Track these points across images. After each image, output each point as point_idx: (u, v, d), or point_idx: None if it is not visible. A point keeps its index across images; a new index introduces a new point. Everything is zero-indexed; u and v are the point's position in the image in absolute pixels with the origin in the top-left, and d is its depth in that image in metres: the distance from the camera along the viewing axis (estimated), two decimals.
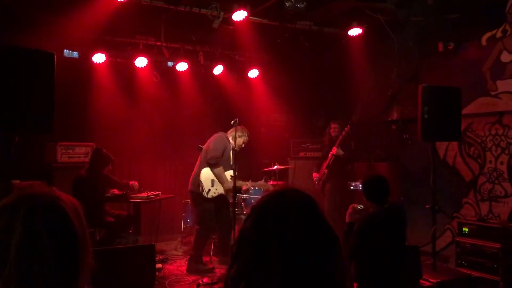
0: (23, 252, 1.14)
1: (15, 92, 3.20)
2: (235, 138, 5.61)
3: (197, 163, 5.74)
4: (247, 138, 5.82)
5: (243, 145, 5.83)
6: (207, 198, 5.58)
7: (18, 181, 5.16)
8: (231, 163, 5.66)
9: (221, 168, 5.54)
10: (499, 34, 5.65)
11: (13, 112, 3.20)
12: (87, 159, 6.36)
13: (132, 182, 6.14)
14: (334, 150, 6.69)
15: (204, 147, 5.75)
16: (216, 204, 5.67)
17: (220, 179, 5.56)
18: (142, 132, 7.47)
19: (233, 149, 5.70)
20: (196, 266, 5.65)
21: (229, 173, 5.65)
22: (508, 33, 5.55)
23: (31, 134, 4.93)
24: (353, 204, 3.92)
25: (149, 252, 4.07)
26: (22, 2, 5.56)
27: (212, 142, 5.64)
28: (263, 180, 7.09)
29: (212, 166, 5.55)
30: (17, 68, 3.23)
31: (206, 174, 5.57)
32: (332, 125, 6.94)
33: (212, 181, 5.59)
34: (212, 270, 5.64)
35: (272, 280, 1.11)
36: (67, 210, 1.24)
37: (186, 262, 5.90)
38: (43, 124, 3.38)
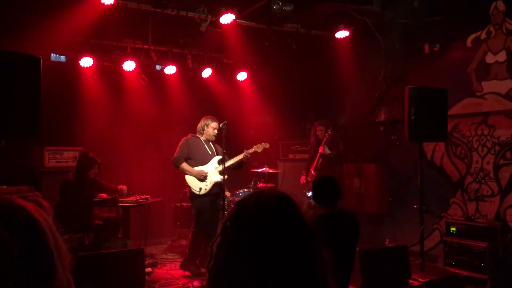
0: None
1: (0, 97, 3.17)
2: (202, 130, 5.75)
3: None
4: (215, 122, 5.77)
5: (215, 132, 5.78)
6: (201, 195, 5.61)
7: (4, 187, 5.15)
8: (210, 153, 5.78)
9: (183, 163, 5.61)
10: (483, 36, 5.73)
11: None
12: (75, 164, 6.31)
13: (121, 186, 6.10)
14: (321, 149, 6.69)
15: None
16: (211, 200, 5.68)
17: (187, 172, 5.63)
18: (130, 135, 7.44)
19: (208, 141, 5.78)
20: (188, 265, 5.67)
21: (214, 165, 5.73)
22: (492, 34, 5.63)
23: (17, 139, 4.89)
24: (309, 200, 3.73)
25: (139, 256, 4.05)
26: (8, 6, 5.52)
27: None
28: (252, 182, 7.11)
29: (175, 166, 5.66)
30: (3, 72, 3.20)
31: (188, 177, 5.65)
32: (318, 127, 6.93)
33: (199, 179, 5.62)
34: (203, 274, 5.61)
35: (248, 277, 1.13)
36: (34, 213, 1.22)
37: (176, 266, 5.90)
38: (29, 129, 3.36)
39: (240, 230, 1.19)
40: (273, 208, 1.22)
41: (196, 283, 5.33)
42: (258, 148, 5.94)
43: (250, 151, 5.85)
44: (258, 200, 1.24)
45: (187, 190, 5.81)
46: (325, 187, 3.52)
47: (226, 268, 1.17)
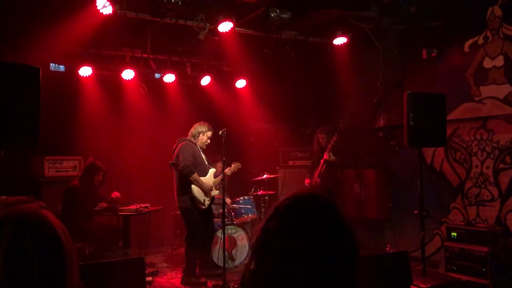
0: (9, 264, 1.19)
1: (0, 107, 3.18)
2: (197, 137, 5.66)
3: (174, 180, 5.67)
4: (210, 132, 5.71)
5: (208, 141, 5.74)
6: (199, 211, 5.56)
7: (4, 197, 5.14)
8: (207, 163, 5.75)
9: (195, 174, 5.48)
10: (480, 41, 5.76)
11: None
12: (75, 173, 6.39)
13: (114, 193, 6.14)
14: (326, 155, 6.71)
15: (174, 161, 5.61)
16: (205, 215, 5.66)
17: (197, 183, 5.51)
18: (130, 144, 7.44)
19: (202, 149, 5.73)
20: (188, 279, 5.60)
21: (211, 179, 5.71)
22: (490, 39, 5.66)
23: (16, 149, 4.89)
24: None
25: (139, 265, 4.03)
26: (7, 17, 5.55)
27: (180, 154, 5.51)
28: (252, 189, 7.11)
29: (187, 176, 5.43)
30: (2, 83, 3.21)
31: (196, 189, 5.52)
32: (320, 135, 6.98)
33: (205, 192, 5.58)
34: (204, 283, 5.57)
35: (298, 280, 1.14)
36: (55, 226, 1.28)
37: (177, 275, 5.86)
38: (28, 139, 3.36)
39: (291, 231, 1.19)
40: (327, 212, 1.24)
41: None
42: (236, 167, 5.96)
43: (233, 168, 5.89)
44: (310, 202, 1.26)
45: (176, 199, 5.66)
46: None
47: (275, 268, 1.17)
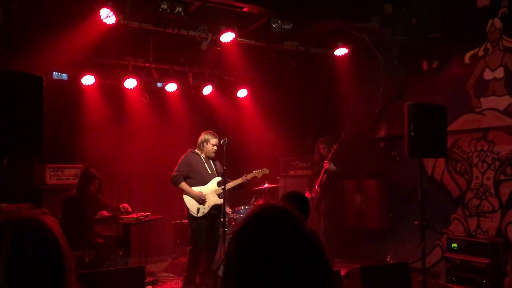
0: (10, 269, 1.21)
1: (3, 115, 3.21)
2: (202, 146, 5.67)
3: None
4: (215, 139, 5.69)
5: (215, 148, 5.71)
6: (200, 217, 5.56)
7: (5, 204, 5.15)
8: (210, 172, 5.71)
9: (183, 183, 5.53)
10: (481, 53, 5.80)
11: (1, 135, 3.20)
12: (76, 181, 6.34)
13: (123, 204, 6.10)
14: (326, 164, 6.71)
15: None
16: (208, 222, 5.64)
17: (185, 192, 5.55)
18: (131, 152, 7.45)
19: (209, 158, 5.72)
20: (188, 287, 5.59)
21: (213, 187, 5.67)
22: (490, 51, 5.69)
23: (19, 157, 4.91)
24: None
25: (139, 274, 4.03)
26: (10, 25, 5.59)
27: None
28: (253, 199, 7.11)
29: (174, 185, 5.57)
30: (6, 91, 3.24)
31: (187, 197, 5.57)
32: (321, 146, 6.98)
33: (198, 201, 5.57)
34: None
35: None
36: (54, 231, 1.30)
37: (177, 284, 5.84)
38: (31, 147, 3.38)
39: (245, 254, 1.17)
40: (277, 227, 1.19)
41: None
42: (258, 173, 5.96)
43: (249, 176, 5.84)
44: (260, 221, 1.22)
45: (184, 209, 5.74)
46: (293, 204, 3.32)
47: None
